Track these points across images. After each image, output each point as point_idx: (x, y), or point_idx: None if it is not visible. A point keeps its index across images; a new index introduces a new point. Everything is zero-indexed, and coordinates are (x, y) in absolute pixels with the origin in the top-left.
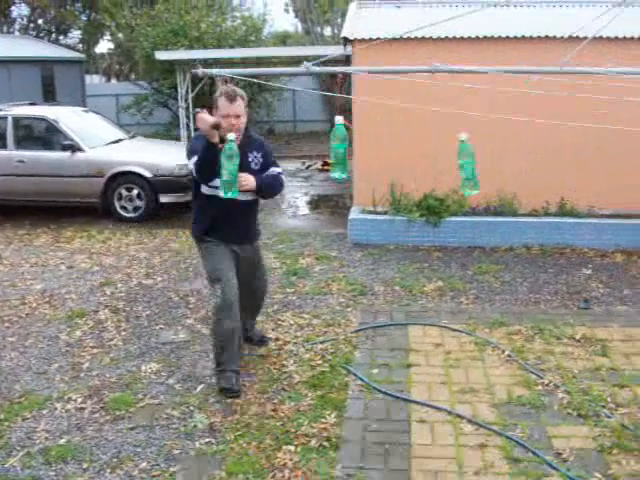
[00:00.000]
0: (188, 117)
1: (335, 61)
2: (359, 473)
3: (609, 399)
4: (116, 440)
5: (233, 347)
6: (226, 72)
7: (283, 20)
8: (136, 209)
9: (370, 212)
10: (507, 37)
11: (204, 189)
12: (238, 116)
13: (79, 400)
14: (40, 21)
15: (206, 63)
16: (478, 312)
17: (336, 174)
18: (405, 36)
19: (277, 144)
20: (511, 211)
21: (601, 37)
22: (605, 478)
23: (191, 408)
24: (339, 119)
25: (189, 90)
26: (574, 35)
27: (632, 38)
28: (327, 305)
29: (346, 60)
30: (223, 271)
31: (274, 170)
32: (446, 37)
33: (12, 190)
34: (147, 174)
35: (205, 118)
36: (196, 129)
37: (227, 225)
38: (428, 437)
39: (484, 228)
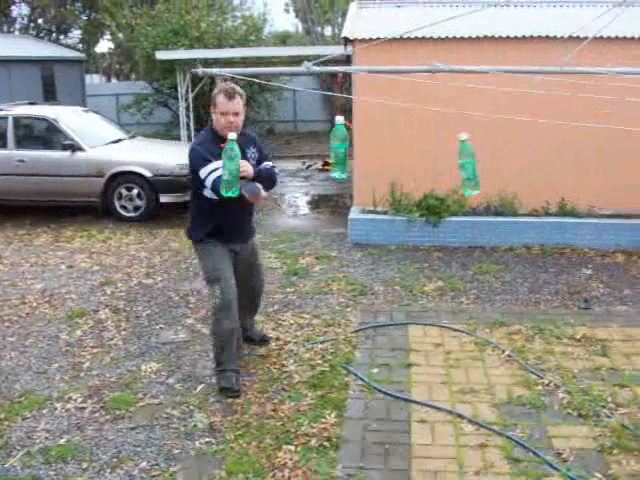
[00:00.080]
0: (188, 117)
1: (335, 61)
2: (359, 473)
3: (609, 399)
4: (116, 440)
5: (232, 347)
6: (226, 71)
7: (283, 20)
8: (136, 209)
9: (370, 212)
10: (507, 37)
11: (207, 192)
12: (237, 114)
13: (79, 400)
14: (40, 21)
15: (206, 63)
16: (478, 312)
17: (336, 174)
18: (405, 36)
19: (277, 144)
20: (511, 211)
21: (601, 37)
22: (605, 478)
23: (191, 408)
24: (339, 119)
25: (189, 90)
26: (574, 35)
27: (632, 38)
28: (327, 305)
29: (346, 60)
30: (222, 271)
31: (267, 164)
32: (446, 37)
33: (12, 190)
34: (147, 174)
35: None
36: (196, 129)
37: (229, 225)
38: (428, 437)
39: (484, 228)
